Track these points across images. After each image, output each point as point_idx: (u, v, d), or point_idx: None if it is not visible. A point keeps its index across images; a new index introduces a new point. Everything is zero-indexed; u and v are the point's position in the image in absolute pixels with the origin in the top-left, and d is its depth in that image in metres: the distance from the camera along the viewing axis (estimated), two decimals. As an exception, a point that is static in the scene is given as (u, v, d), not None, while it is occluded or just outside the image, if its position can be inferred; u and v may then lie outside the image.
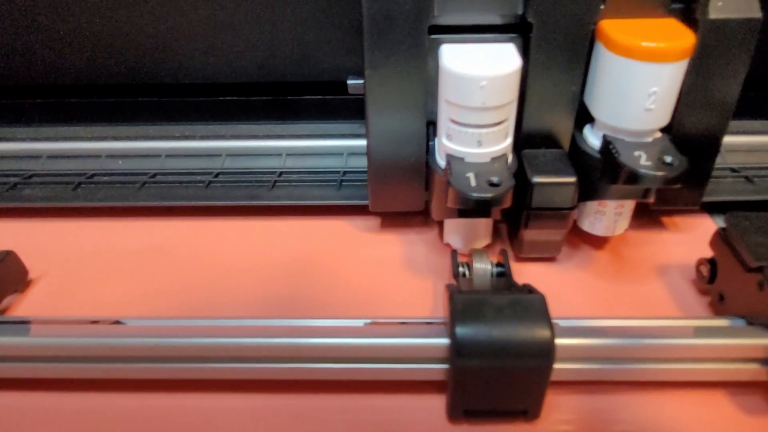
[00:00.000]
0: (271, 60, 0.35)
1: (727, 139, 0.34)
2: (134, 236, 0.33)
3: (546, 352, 0.20)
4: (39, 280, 0.30)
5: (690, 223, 0.33)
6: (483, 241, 0.30)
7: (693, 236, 0.32)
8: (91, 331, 0.24)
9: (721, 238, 0.25)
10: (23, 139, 0.37)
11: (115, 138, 0.37)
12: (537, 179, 0.26)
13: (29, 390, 0.24)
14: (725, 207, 0.32)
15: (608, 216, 0.29)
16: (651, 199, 0.28)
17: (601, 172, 0.26)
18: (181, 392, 0.24)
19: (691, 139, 0.28)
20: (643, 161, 0.24)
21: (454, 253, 0.27)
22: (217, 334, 0.23)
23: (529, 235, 0.29)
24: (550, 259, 0.30)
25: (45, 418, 0.24)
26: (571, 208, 0.27)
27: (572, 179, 0.26)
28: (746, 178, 0.33)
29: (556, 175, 0.26)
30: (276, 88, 0.37)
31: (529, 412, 0.22)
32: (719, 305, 0.26)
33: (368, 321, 0.24)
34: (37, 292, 0.29)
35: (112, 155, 0.36)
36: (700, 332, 0.23)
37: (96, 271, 0.30)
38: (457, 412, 0.22)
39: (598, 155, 0.26)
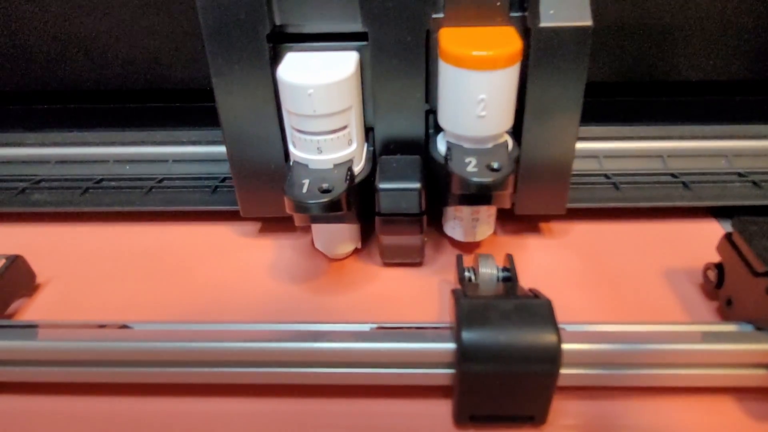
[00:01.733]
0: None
1: (734, 144, 0.35)
2: (141, 241, 0.33)
3: (553, 357, 0.20)
4: (47, 284, 0.30)
5: (697, 228, 0.33)
6: (349, 246, 0.30)
7: (700, 241, 0.31)
8: (98, 335, 0.24)
9: (728, 242, 0.25)
10: (31, 145, 0.37)
11: (123, 143, 0.37)
12: (382, 185, 0.27)
13: (36, 394, 0.24)
14: (732, 212, 0.32)
15: (465, 221, 0.29)
16: (506, 205, 0.28)
17: (444, 179, 0.26)
18: (187, 396, 0.24)
19: (541, 146, 0.28)
20: (470, 167, 0.24)
21: (459, 257, 0.27)
22: (223, 339, 0.23)
23: (386, 240, 0.29)
24: (415, 264, 0.30)
25: (52, 422, 0.24)
26: (420, 214, 0.27)
27: (417, 185, 0.27)
28: (753, 182, 0.33)
29: (402, 181, 0.27)
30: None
31: (536, 417, 0.22)
32: (727, 310, 0.26)
33: (374, 325, 0.24)
34: (44, 296, 0.29)
35: (120, 160, 0.36)
36: (707, 337, 0.23)
37: (103, 276, 0.31)
38: (463, 417, 0.22)
39: (443, 162, 0.26)
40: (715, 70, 0.37)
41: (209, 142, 0.36)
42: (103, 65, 0.38)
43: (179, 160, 0.36)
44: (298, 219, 0.27)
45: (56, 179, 0.36)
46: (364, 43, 0.26)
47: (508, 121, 0.26)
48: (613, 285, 0.29)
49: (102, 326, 0.24)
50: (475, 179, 0.24)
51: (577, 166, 0.34)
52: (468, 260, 0.28)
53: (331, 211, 0.24)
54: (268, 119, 0.27)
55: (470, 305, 0.22)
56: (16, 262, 0.28)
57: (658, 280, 0.29)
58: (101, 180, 0.35)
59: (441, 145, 0.27)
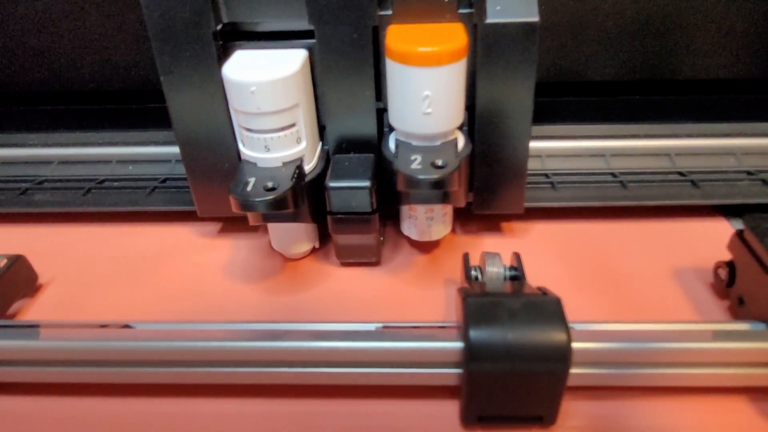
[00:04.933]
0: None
1: (743, 142, 0.34)
2: (144, 241, 0.33)
3: (563, 356, 0.20)
4: (49, 284, 0.30)
5: (705, 226, 0.32)
6: (306, 245, 0.30)
7: (709, 240, 0.31)
8: (100, 334, 0.24)
9: (740, 240, 0.25)
10: (34, 145, 0.37)
11: (126, 143, 0.37)
12: (332, 183, 0.27)
13: (38, 394, 0.24)
14: (741, 210, 0.31)
15: (420, 220, 0.29)
16: (460, 204, 0.28)
17: (392, 177, 0.26)
18: (190, 397, 0.24)
19: (494, 144, 0.27)
20: (414, 165, 0.24)
21: (466, 256, 0.27)
22: (227, 338, 0.23)
23: (340, 239, 0.29)
24: (372, 264, 0.30)
25: (53, 423, 0.23)
26: (371, 213, 0.27)
27: (366, 183, 0.26)
28: (763, 181, 0.33)
29: (353, 179, 0.27)
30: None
31: (545, 418, 0.22)
32: (739, 309, 0.25)
33: (380, 325, 0.23)
34: (46, 296, 0.29)
35: (123, 161, 0.36)
36: (719, 336, 0.23)
37: (105, 276, 0.30)
38: (470, 418, 0.22)
39: (391, 160, 0.26)
40: (724, 68, 0.36)
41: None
42: (106, 66, 0.38)
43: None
44: (252, 218, 0.27)
45: (59, 180, 0.35)
46: (313, 41, 0.26)
47: (455, 119, 0.25)
48: (621, 284, 0.29)
49: (104, 326, 0.24)
50: (419, 176, 0.23)
51: (584, 164, 0.34)
52: (475, 259, 0.27)
53: (277, 209, 0.24)
54: (219, 118, 0.27)
55: (477, 303, 0.21)
56: (17, 262, 0.28)
57: (667, 280, 0.29)
58: (104, 180, 0.35)
59: (392, 144, 0.27)
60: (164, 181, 0.35)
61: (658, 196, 0.32)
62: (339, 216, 0.27)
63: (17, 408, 0.24)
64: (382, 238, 0.29)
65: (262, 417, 0.23)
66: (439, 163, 0.24)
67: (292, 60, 0.25)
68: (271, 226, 0.30)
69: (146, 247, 0.32)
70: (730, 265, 0.26)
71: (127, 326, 0.24)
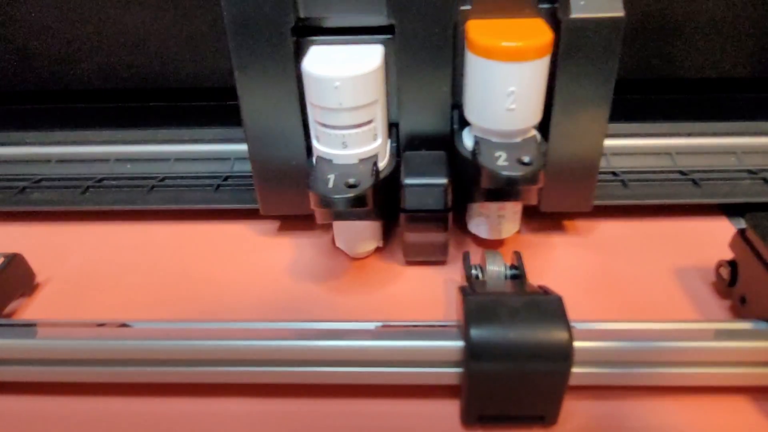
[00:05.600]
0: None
1: (744, 141, 0.34)
2: (142, 240, 0.33)
3: (564, 356, 0.20)
4: (46, 283, 0.30)
5: (706, 225, 0.32)
6: (371, 244, 0.30)
7: (711, 239, 0.31)
8: (97, 333, 0.23)
9: (742, 238, 0.25)
10: (32, 144, 0.37)
11: (124, 142, 0.37)
12: (408, 181, 0.26)
13: (35, 394, 0.24)
14: (742, 209, 0.31)
15: (491, 218, 0.29)
16: (533, 201, 0.28)
17: (472, 174, 0.26)
18: (186, 396, 0.24)
19: (569, 140, 0.27)
20: (501, 161, 0.24)
21: (466, 254, 0.27)
22: (225, 337, 0.22)
23: (411, 237, 0.28)
24: (439, 263, 0.30)
25: (50, 422, 0.23)
26: (446, 210, 0.27)
27: (443, 181, 0.26)
28: (764, 179, 0.32)
29: (428, 176, 0.26)
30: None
31: (546, 417, 0.22)
32: (741, 308, 0.25)
33: (379, 324, 0.23)
34: (44, 295, 0.29)
35: (121, 159, 0.36)
36: (722, 335, 0.22)
37: (103, 275, 0.30)
38: (471, 417, 0.22)
39: (470, 157, 0.26)
40: (725, 67, 0.36)
41: (211, 141, 0.36)
42: (105, 64, 0.38)
43: (181, 158, 0.36)
44: (320, 216, 0.27)
45: (57, 178, 0.35)
46: (390, 36, 0.26)
47: (537, 115, 0.25)
48: (622, 283, 0.28)
49: (101, 325, 0.24)
50: (506, 173, 0.23)
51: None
52: (475, 258, 0.27)
53: (357, 207, 0.24)
54: (290, 114, 0.27)
55: (478, 302, 0.21)
56: (14, 260, 0.28)
57: (668, 279, 0.29)
58: (102, 179, 0.35)
59: (467, 140, 0.27)
60: (163, 179, 0.35)
61: (659, 195, 0.32)
62: (413, 213, 0.27)
63: (14, 407, 0.24)
64: (449, 237, 0.29)
65: (260, 416, 0.23)
66: (526, 159, 0.24)
67: (372, 55, 0.25)
68: (337, 224, 0.29)
69: (145, 247, 0.32)
70: (732, 264, 0.26)
71: (124, 325, 0.24)
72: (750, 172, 0.33)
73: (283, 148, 0.28)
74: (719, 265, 0.27)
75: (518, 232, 0.31)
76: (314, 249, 0.31)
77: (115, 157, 0.36)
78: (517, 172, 0.23)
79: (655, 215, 0.33)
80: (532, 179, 0.23)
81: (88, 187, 0.34)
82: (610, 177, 0.33)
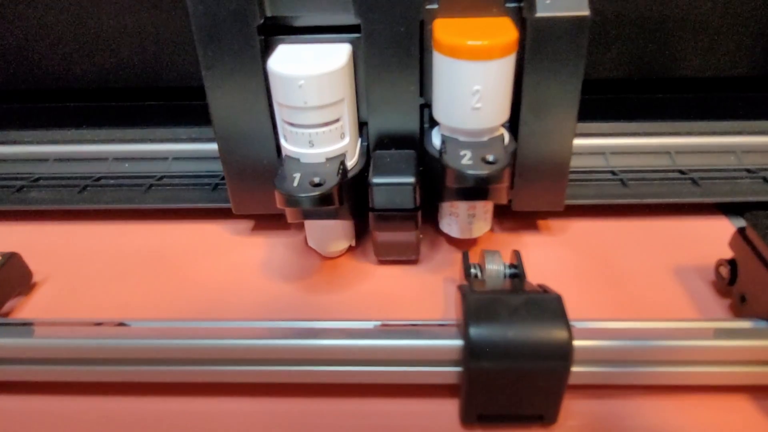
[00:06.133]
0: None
1: (743, 140, 0.34)
2: (140, 239, 0.32)
3: (564, 354, 0.20)
4: (43, 282, 0.30)
5: (706, 225, 0.32)
6: (343, 243, 0.30)
7: (710, 238, 0.31)
8: (95, 332, 0.23)
9: (742, 237, 0.25)
10: (30, 143, 0.37)
11: (122, 141, 0.36)
12: (376, 180, 0.26)
13: (32, 393, 0.24)
14: (741, 209, 0.31)
15: (461, 217, 0.29)
16: (503, 201, 0.28)
17: (440, 172, 0.25)
18: (185, 396, 0.24)
19: (538, 140, 0.27)
20: (465, 160, 0.24)
21: (465, 254, 0.27)
22: (223, 336, 0.22)
23: (380, 236, 0.28)
24: (411, 262, 0.30)
25: (47, 421, 0.23)
26: (415, 209, 0.27)
27: (411, 180, 0.26)
28: (763, 179, 0.32)
29: (396, 175, 0.26)
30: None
31: (546, 416, 0.22)
32: (741, 307, 0.25)
33: (378, 323, 0.23)
34: (41, 294, 0.29)
35: (119, 158, 0.36)
36: (722, 334, 0.22)
37: (101, 274, 0.30)
38: (470, 416, 0.22)
39: (438, 156, 0.26)
40: (725, 66, 0.36)
41: (209, 140, 0.36)
42: (102, 63, 0.38)
43: (179, 157, 0.36)
44: (291, 215, 0.27)
45: (54, 177, 0.35)
46: (357, 35, 0.26)
47: (503, 114, 0.25)
48: (621, 283, 0.28)
49: (99, 324, 0.24)
50: (471, 172, 0.23)
51: (584, 162, 0.34)
52: (474, 257, 0.27)
53: (323, 205, 0.24)
54: (259, 113, 0.27)
55: (478, 300, 0.21)
56: (12, 259, 0.28)
57: (667, 278, 0.29)
58: (100, 178, 0.35)
59: (436, 139, 0.27)
60: (161, 178, 0.34)
61: (659, 194, 0.32)
62: (382, 213, 0.27)
63: (11, 406, 0.24)
64: (420, 236, 0.29)
65: (259, 416, 0.23)
66: (490, 158, 0.24)
67: (338, 54, 0.25)
68: (308, 223, 0.29)
69: (143, 246, 0.32)
70: (732, 263, 0.26)
71: (122, 324, 0.24)
72: (749, 171, 0.33)
73: (253, 148, 0.28)
74: (719, 263, 0.27)
75: (491, 231, 0.31)
76: (287, 248, 0.31)
77: (113, 156, 0.36)
78: (481, 171, 0.23)
79: (654, 214, 0.33)
80: (496, 178, 0.23)
81: (85, 186, 0.34)
82: (609, 176, 0.33)
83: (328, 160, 0.25)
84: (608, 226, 0.32)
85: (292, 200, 0.24)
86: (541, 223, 0.32)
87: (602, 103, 0.37)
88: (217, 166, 0.35)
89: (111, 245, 0.32)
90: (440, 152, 0.25)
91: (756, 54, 0.36)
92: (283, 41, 0.26)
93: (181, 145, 0.36)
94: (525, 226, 0.32)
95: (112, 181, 0.35)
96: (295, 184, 0.24)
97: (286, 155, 0.26)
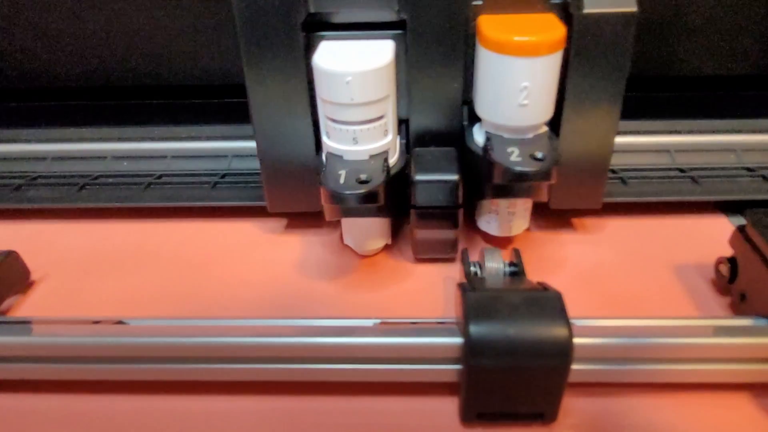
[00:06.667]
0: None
1: (743, 138, 0.34)
2: (138, 237, 0.32)
3: (564, 352, 0.20)
4: (41, 281, 0.29)
5: (705, 223, 0.32)
6: (380, 242, 0.30)
7: (709, 236, 0.31)
8: (93, 331, 0.23)
9: (742, 235, 0.25)
10: (28, 141, 0.37)
11: (120, 139, 0.36)
12: (419, 177, 0.26)
13: (30, 391, 0.24)
14: (741, 207, 0.31)
15: (502, 215, 0.29)
16: (544, 198, 0.28)
17: (484, 170, 0.25)
18: (184, 394, 0.23)
19: (580, 137, 0.27)
20: (513, 157, 0.24)
21: (465, 251, 0.27)
22: (221, 334, 0.22)
23: (421, 234, 0.28)
24: (449, 260, 0.30)
25: (46, 420, 0.23)
26: (457, 207, 0.27)
27: (454, 177, 0.26)
28: (763, 177, 0.32)
29: (439, 173, 0.26)
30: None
31: (546, 414, 0.21)
32: (741, 305, 0.25)
33: (378, 321, 0.23)
34: (39, 293, 0.29)
35: (117, 156, 0.36)
36: (722, 332, 0.22)
37: (99, 273, 0.30)
38: (470, 414, 0.22)
39: (482, 153, 0.26)
40: (724, 65, 0.36)
41: (209, 138, 0.36)
42: (101, 61, 0.37)
43: (178, 156, 0.35)
44: (329, 213, 0.27)
45: (53, 176, 0.35)
46: (400, 31, 0.25)
47: (549, 111, 0.25)
48: (621, 281, 0.28)
49: (97, 322, 0.24)
50: (520, 168, 0.23)
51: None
52: (474, 255, 0.27)
53: (369, 203, 0.24)
54: (300, 110, 0.27)
55: (477, 298, 0.21)
56: (9, 257, 0.27)
57: (667, 276, 0.29)
58: (98, 176, 0.35)
59: (478, 136, 0.27)
60: (160, 177, 0.34)
61: (658, 193, 0.32)
62: (424, 210, 0.27)
63: (10, 405, 0.23)
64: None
65: (258, 414, 0.23)
66: (539, 155, 0.24)
67: (383, 50, 0.24)
68: (345, 221, 0.29)
69: (141, 244, 0.32)
70: (732, 261, 0.26)
71: (120, 322, 0.24)
72: (749, 169, 0.33)
73: (292, 145, 0.28)
74: (719, 261, 0.27)
75: (528, 229, 0.31)
76: (322, 246, 0.31)
77: (111, 155, 0.36)
78: (531, 168, 0.23)
79: (654, 213, 0.33)
80: (545, 174, 0.23)
81: (84, 185, 0.34)
82: (609, 174, 0.33)
83: (372, 157, 0.25)
84: (608, 225, 0.32)
85: (338, 197, 0.23)
86: (576, 221, 0.32)
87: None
88: (216, 165, 0.35)
89: (109, 244, 0.32)
90: (485, 149, 0.25)
91: (756, 52, 0.36)
92: (324, 38, 0.26)
93: (180, 143, 0.36)
94: (560, 224, 0.32)
95: (110, 180, 0.35)
96: (342, 181, 0.24)
97: (328, 152, 0.26)
